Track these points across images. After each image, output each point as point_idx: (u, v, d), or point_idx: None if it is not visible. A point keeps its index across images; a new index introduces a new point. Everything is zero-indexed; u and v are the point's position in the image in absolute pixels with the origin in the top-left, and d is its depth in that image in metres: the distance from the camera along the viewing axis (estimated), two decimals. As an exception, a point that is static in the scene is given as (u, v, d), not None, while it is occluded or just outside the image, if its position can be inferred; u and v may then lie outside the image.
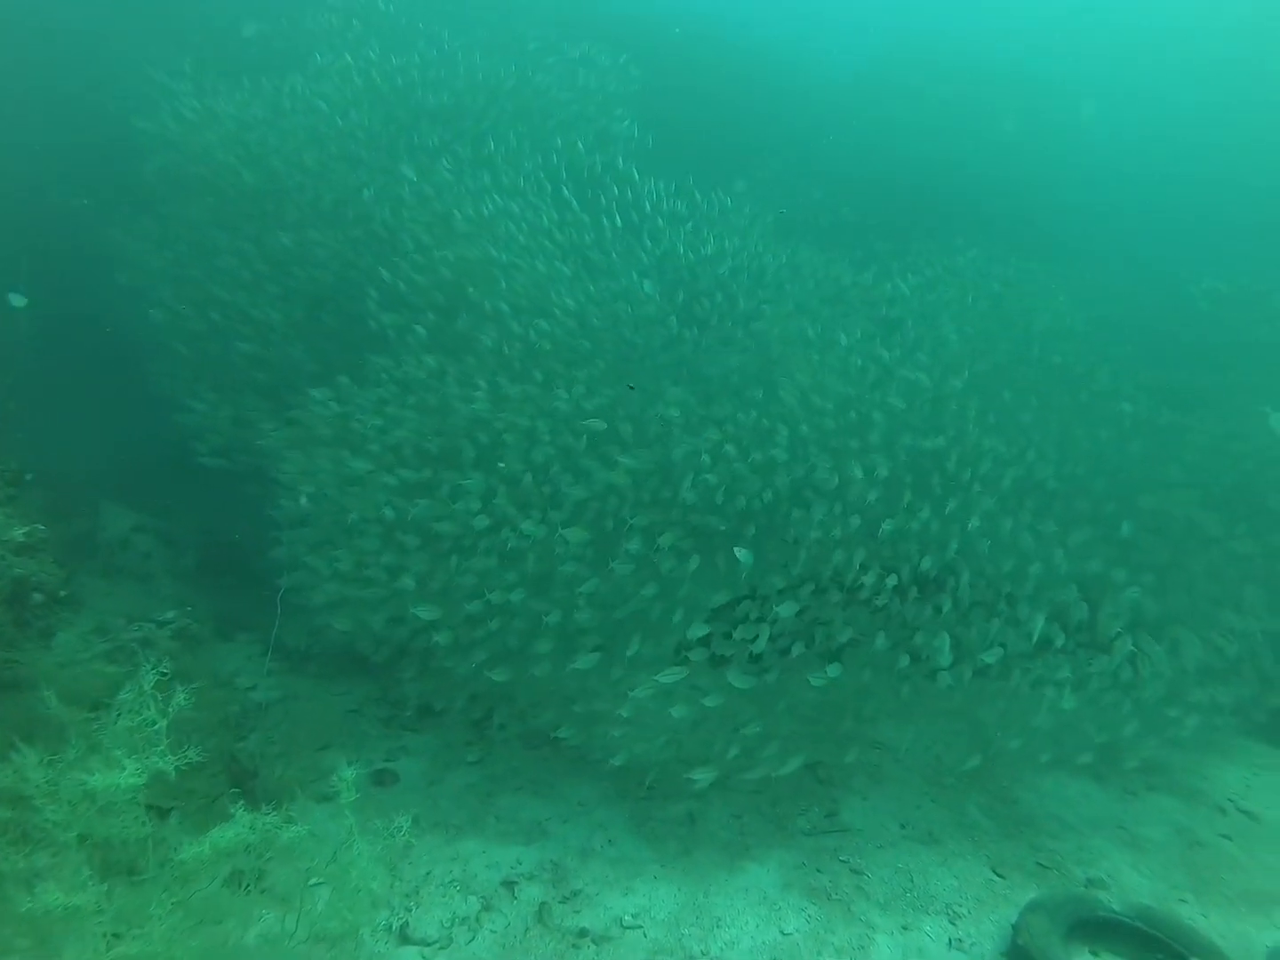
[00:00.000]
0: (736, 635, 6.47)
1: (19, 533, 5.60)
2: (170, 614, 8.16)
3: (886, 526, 6.67)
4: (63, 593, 5.72)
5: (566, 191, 9.33)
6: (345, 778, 5.22)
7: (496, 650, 6.82)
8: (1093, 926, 5.14)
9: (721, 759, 6.68)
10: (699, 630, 6.75)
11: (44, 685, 5.39)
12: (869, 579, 6.69)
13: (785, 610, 6.29)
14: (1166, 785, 7.04)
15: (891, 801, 6.73)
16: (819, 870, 5.69)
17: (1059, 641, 6.71)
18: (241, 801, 4.73)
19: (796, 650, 6.55)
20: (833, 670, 6.48)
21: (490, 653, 6.77)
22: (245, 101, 9.78)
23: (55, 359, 10.91)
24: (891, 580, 6.65)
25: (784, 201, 12.69)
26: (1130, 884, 5.69)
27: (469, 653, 6.88)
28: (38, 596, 5.43)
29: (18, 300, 9.70)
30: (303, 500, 7.49)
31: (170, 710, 4.05)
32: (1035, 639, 6.48)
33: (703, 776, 5.93)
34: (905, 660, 6.52)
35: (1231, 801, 6.84)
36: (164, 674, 4.12)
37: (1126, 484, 7.72)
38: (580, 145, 10.16)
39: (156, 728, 3.96)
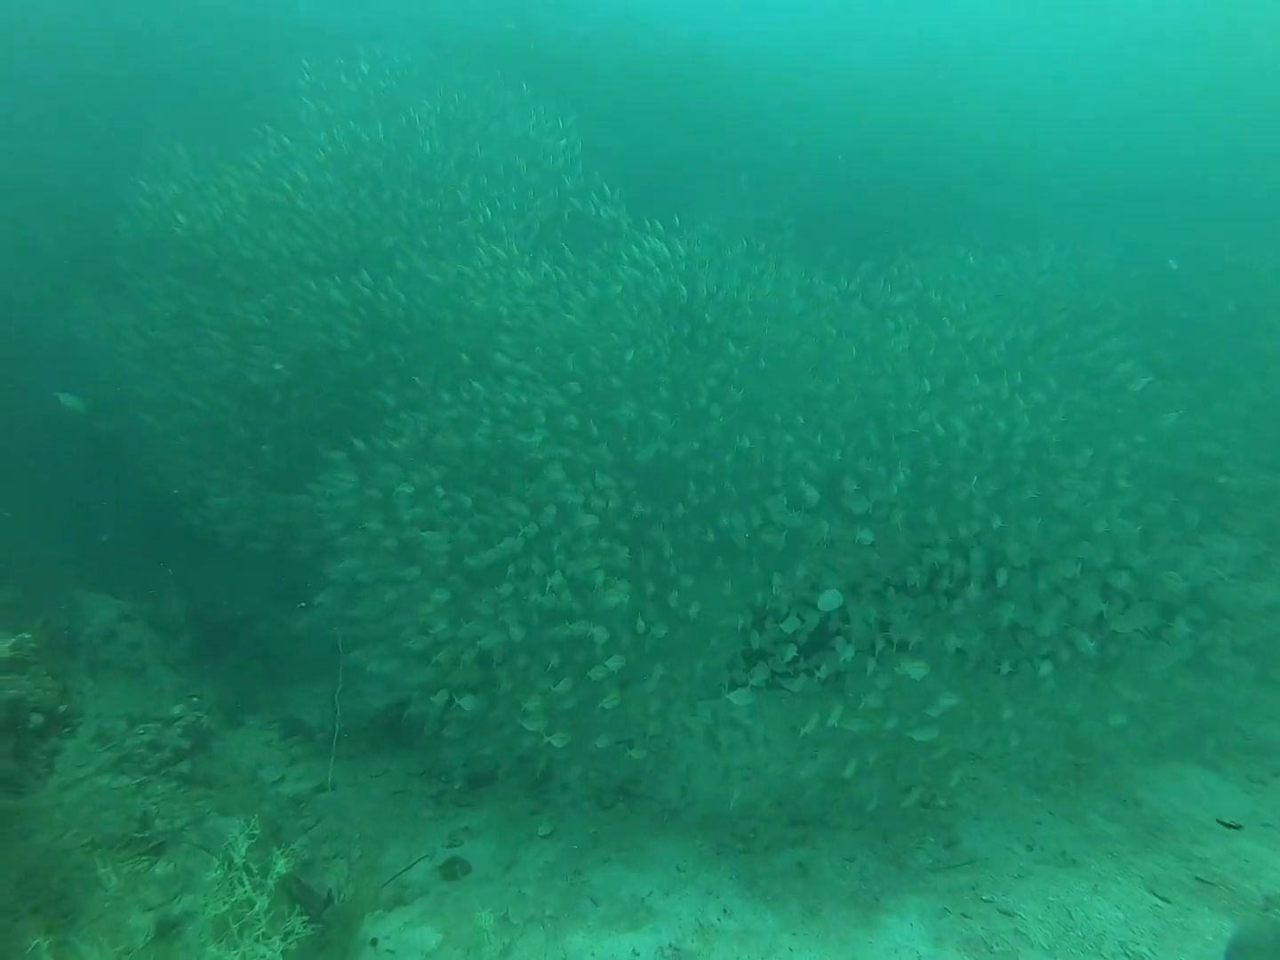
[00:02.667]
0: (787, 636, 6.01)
1: (5, 647, 4.77)
2: (176, 709, 7.27)
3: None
4: (63, 708, 4.88)
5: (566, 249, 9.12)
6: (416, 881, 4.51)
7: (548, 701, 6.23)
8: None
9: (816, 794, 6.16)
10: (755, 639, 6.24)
11: (58, 829, 4.58)
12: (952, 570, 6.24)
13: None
14: (1288, 766, 6.63)
15: (1007, 819, 6.19)
16: (965, 916, 5.10)
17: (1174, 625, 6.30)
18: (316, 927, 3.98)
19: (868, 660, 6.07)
20: (917, 669, 5.97)
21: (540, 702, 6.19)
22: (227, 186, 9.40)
23: (22, 445, 10.09)
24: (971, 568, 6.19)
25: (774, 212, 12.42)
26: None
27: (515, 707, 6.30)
28: (37, 718, 4.61)
29: (71, 401, 9.20)
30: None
31: (270, 883, 3.27)
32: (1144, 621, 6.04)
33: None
34: (1006, 665, 6.05)
35: (1362, 777, 6.45)
36: (253, 836, 3.34)
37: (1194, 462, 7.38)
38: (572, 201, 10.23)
39: (255, 910, 3.19)
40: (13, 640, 4.85)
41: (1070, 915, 5.06)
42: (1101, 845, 5.78)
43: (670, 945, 4.95)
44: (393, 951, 4.93)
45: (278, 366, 8.56)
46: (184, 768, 6.83)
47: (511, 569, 6.41)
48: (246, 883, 3.27)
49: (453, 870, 5.78)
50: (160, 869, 5.10)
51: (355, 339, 8.79)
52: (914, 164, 14.33)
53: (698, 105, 15.32)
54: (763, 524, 6.79)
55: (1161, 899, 5.19)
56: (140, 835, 5.18)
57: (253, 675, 9.47)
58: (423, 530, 6.54)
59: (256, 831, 3.51)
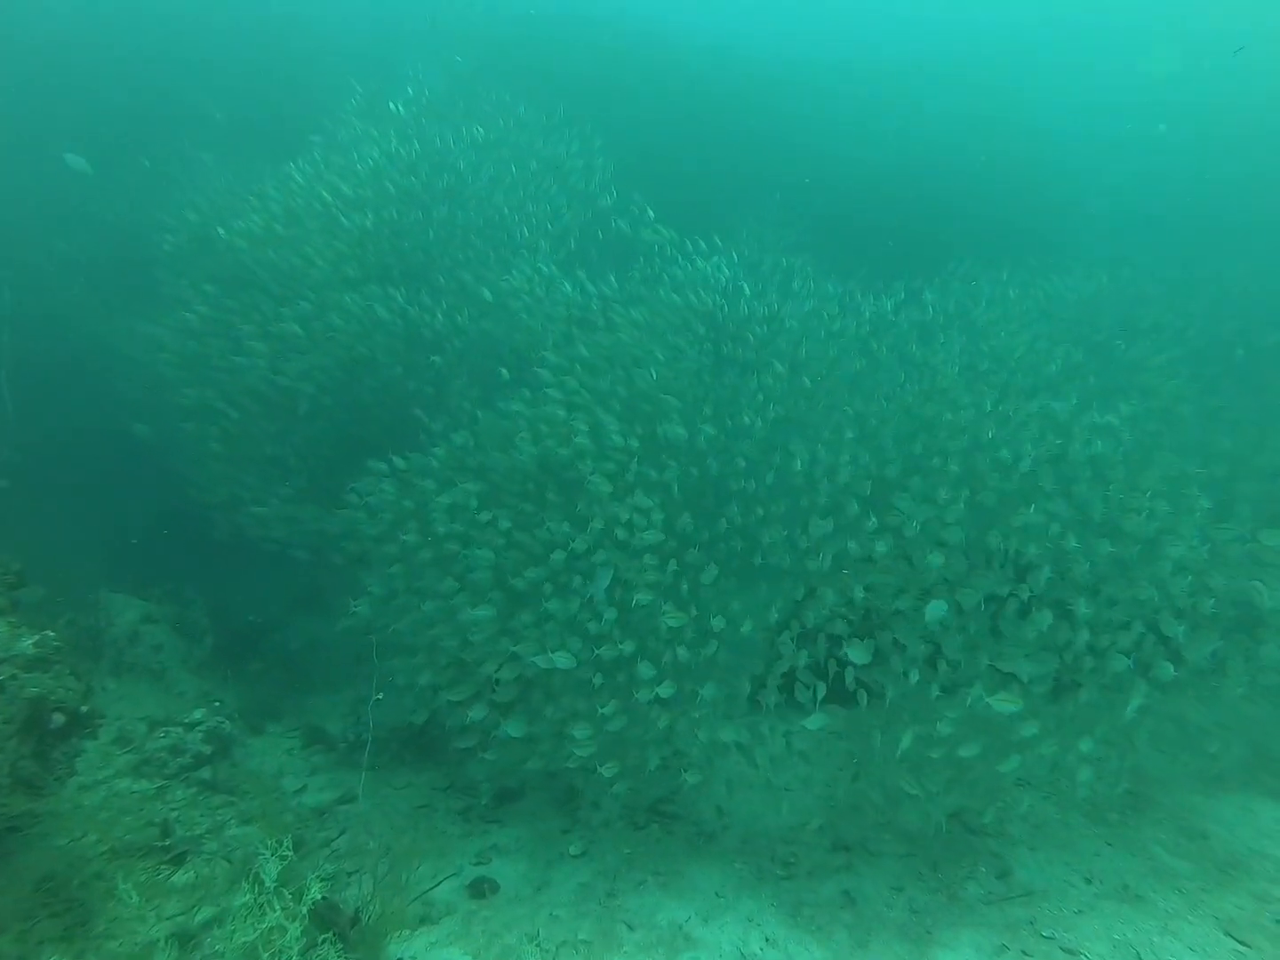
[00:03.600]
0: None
1: (28, 643, 4.62)
2: (198, 713, 7.11)
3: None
4: (85, 708, 4.71)
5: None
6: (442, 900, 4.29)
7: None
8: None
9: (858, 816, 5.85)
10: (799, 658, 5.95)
11: (76, 832, 4.41)
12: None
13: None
14: (1360, 799, 6.25)
15: (1063, 850, 5.86)
16: (1026, 954, 4.77)
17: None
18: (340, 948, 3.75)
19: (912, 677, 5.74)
20: (1006, 703, 5.67)
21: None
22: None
23: (58, 447, 10.18)
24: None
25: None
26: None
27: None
28: (58, 718, 4.43)
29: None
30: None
31: (304, 909, 3.06)
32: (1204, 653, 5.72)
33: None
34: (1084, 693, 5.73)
35: None
36: (285, 858, 3.13)
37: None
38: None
39: (288, 938, 2.97)
40: (36, 637, 4.71)
41: (1139, 957, 4.72)
42: (1168, 881, 5.43)
43: (711, 976, 4.66)
44: (419, 973, 4.69)
45: (307, 388, 8.53)
46: (204, 774, 6.65)
47: (549, 587, 6.21)
48: (278, 908, 3.04)
49: (481, 889, 5.54)
50: (180, 878, 4.91)
51: (394, 350, 8.74)
52: (951, 183, 14.19)
53: (726, 120, 15.28)
54: (807, 544, 6.57)
55: (1241, 943, 4.83)
56: (161, 844, 5.00)
57: (275, 682, 9.33)
58: (461, 543, 6.37)
59: (289, 853, 3.29)
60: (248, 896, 3.08)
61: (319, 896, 3.23)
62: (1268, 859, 5.62)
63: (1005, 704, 5.04)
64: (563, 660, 5.60)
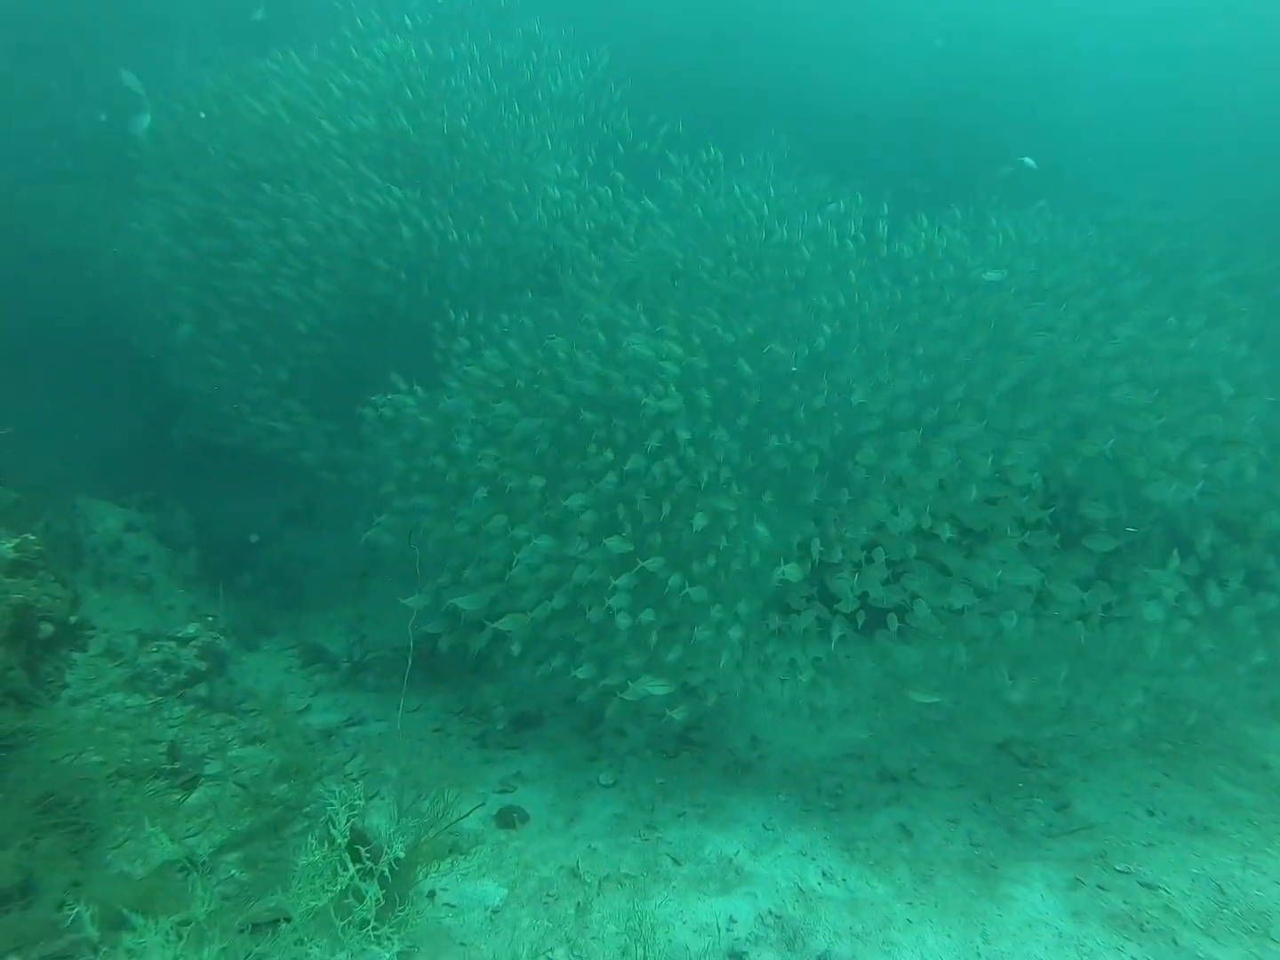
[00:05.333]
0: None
1: (8, 547, 3.97)
2: (192, 628, 6.55)
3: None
4: (73, 618, 4.12)
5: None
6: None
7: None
8: None
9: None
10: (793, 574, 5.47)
11: (73, 748, 3.87)
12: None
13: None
14: None
15: (1119, 781, 5.59)
16: (1102, 889, 4.49)
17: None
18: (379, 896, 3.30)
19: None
20: (1008, 620, 5.32)
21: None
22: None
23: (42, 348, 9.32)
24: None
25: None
26: None
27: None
28: (46, 627, 3.85)
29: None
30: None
31: (385, 866, 2.52)
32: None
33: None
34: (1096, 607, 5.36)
35: None
36: (355, 808, 2.59)
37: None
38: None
39: (366, 904, 2.44)
40: (16, 540, 4.06)
41: (1222, 891, 4.46)
42: (1236, 813, 5.18)
43: (770, 912, 4.33)
44: (454, 906, 4.30)
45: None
46: (201, 690, 6.16)
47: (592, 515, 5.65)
48: (351, 868, 2.53)
49: (510, 819, 5.14)
50: (190, 801, 4.44)
51: (411, 261, 7.93)
52: (972, 117, 13.15)
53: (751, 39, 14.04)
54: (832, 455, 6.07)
55: (1323, 877, 4.60)
56: (169, 766, 4.50)
57: (267, 598, 8.78)
58: (497, 466, 5.78)
59: (360, 801, 2.78)
60: (316, 855, 2.56)
61: (402, 855, 2.73)
62: (1335, 792, 5.40)
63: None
64: (657, 688, 5.12)
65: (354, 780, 5.40)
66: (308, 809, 4.96)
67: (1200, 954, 3.99)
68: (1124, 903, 4.37)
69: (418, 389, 6.88)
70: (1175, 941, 4.08)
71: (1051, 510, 5.59)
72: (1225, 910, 4.32)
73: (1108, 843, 4.91)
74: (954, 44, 13.96)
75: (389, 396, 6.81)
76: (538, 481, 5.68)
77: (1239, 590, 5.60)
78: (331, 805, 2.76)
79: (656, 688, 4.99)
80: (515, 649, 5.70)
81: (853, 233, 7.87)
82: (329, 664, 7.43)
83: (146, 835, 3.51)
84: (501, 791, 5.54)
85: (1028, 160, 9.80)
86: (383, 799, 5.26)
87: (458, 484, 6.12)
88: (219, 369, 8.19)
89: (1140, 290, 6.76)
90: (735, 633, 5.45)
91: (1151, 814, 5.22)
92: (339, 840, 2.54)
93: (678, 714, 5.27)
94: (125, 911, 2.54)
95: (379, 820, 4.76)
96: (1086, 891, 4.47)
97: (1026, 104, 13.32)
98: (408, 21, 9.86)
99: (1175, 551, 5.52)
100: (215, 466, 9.38)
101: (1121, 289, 6.73)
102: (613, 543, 5.23)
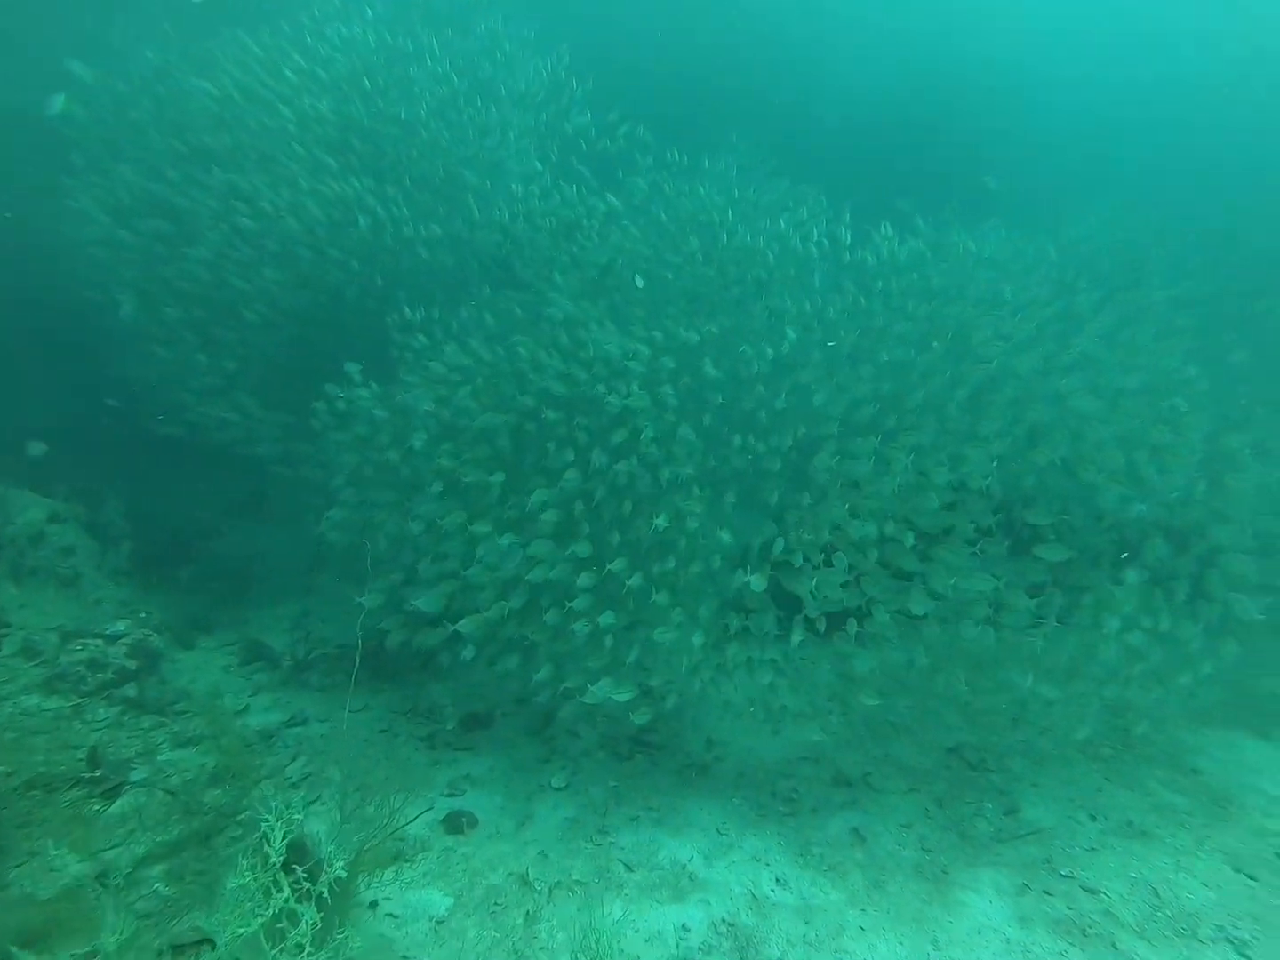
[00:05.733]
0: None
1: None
2: (121, 624, 6.20)
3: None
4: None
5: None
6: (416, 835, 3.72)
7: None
8: None
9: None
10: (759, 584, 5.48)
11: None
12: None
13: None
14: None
15: (1065, 786, 5.71)
16: (1048, 894, 4.56)
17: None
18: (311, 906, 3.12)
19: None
20: (970, 629, 5.41)
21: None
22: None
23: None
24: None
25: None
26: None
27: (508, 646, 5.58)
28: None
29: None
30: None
31: (324, 886, 2.36)
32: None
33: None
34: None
35: None
36: (292, 826, 2.41)
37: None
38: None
39: (302, 929, 2.27)
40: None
41: (1157, 894, 4.57)
42: (1170, 817, 5.32)
43: (724, 920, 4.27)
44: (397, 917, 4.14)
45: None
46: (130, 691, 5.82)
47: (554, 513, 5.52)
48: (287, 888, 2.36)
49: (458, 823, 4.99)
50: (114, 809, 4.16)
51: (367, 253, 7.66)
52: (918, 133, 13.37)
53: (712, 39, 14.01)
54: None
55: (1250, 877, 4.75)
56: (89, 775, 4.21)
57: (208, 593, 8.39)
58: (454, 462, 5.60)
59: (299, 816, 2.59)
60: (246, 876, 2.37)
61: (343, 874, 2.56)
62: (1259, 793, 5.59)
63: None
64: (618, 694, 5.02)
65: (294, 785, 5.18)
66: (243, 816, 4.73)
67: (1136, 958, 4.07)
68: (1068, 908, 4.45)
69: (372, 383, 6.65)
70: (1114, 946, 4.17)
71: (999, 516, 5.69)
72: (1159, 913, 4.43)
73: (1053, 848, 5.00)
74: (923, 64, 14.16)
75: (342, 392, 6.56)
76: (498, 477, 5.53)
77: (1184, 602, 5.79)
78: (266, 821, 2.57)
79: (618, 694, 4.89)
80: (468, 654, 5.55)
81: (815, 238, 7.89)
82: (271, 662, 7.13)
83: (59, 852, 3.25)
84: (450, 795, 5.37)
85: (989, 180, 9.96)
86: (324, 804, 5.06)
87: (412, 479, 5.92)
88: (162, 357, 7.79)
89: (1094, 303, 6.91)
90: (698, 638, 5.39)
91: (1094, 818, 5.33)
92: (273, 859, 2.36)
93: (639, 718, 5.18)
94: (12, 948, 2.29)
95: (320, 827, 4.57)
96: (1033, 897, 4.53)
97: (990, 128, 13.60)
98: (368, 11, 9.64)
99: (1133, 565, 5.64)
100: (158, 456, 8.94)
101: (1077, 302, 6.87)
102: (577, 547, 5.12)
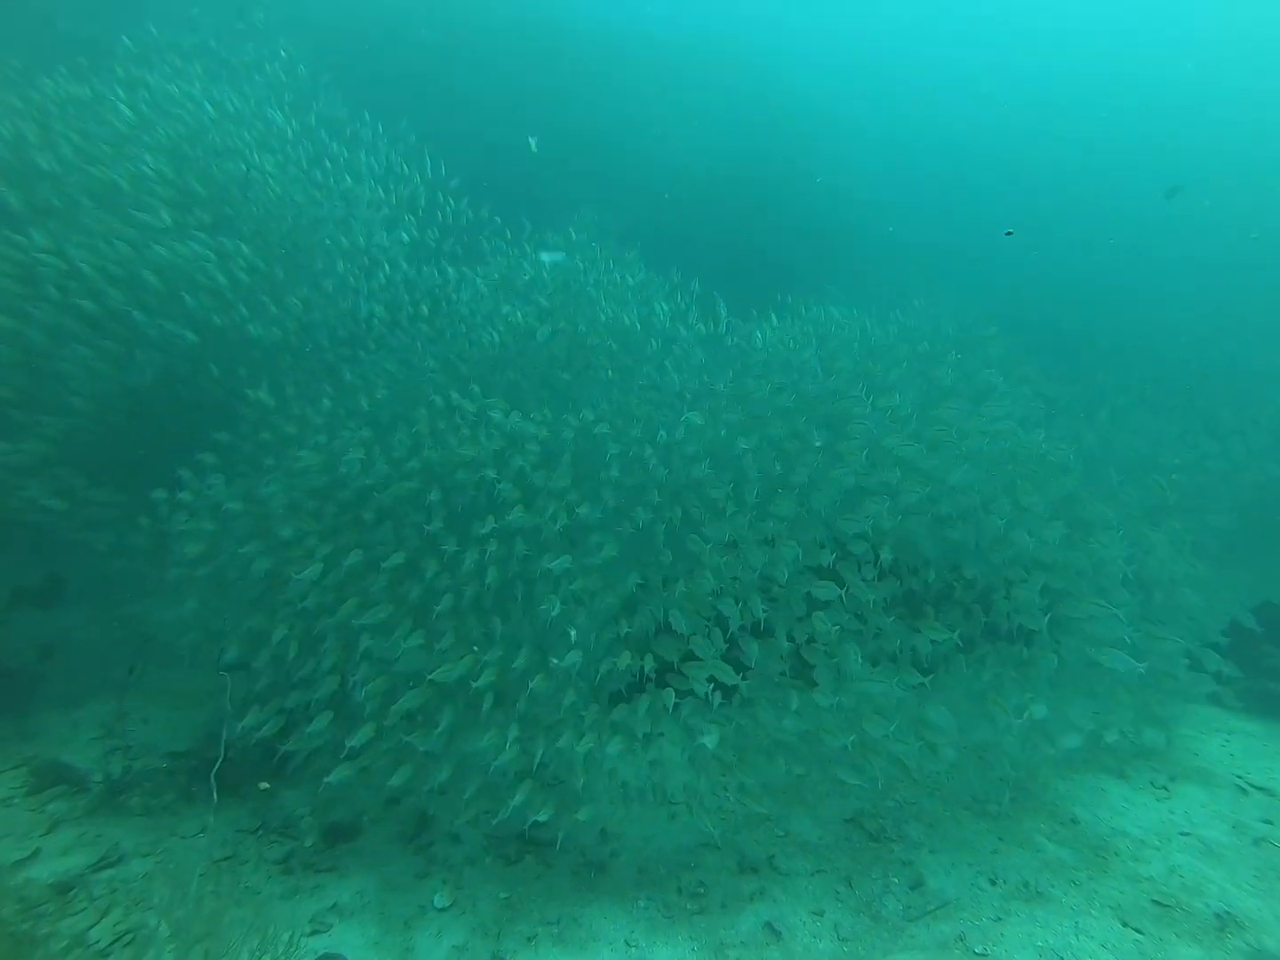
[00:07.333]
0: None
1: None
2: None
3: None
4: None
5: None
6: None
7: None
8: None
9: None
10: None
11: None
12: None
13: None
14: (1181, 773, 6.80)
15: (962, 850, 5.73)
16: (965, 975, 4.46)
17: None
18: None
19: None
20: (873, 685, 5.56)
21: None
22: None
23: None
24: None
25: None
26: (1249, 910, 5.12)
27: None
28: None
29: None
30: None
31: None
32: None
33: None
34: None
35: (1241, 779, 6.73)
36: None
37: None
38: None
39: None
40: None
41: (1064, 961, 4.60)
42: (1060, 873, 5.45)
43: (646, 1056, 3.80)
44: None
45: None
46: None
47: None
48: None
49: (325, 973, 4.20)
50: None
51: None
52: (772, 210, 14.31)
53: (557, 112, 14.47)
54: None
55: (1136, 930, 4.90)
56: None
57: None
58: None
59: None
60: None
61: None
62: (1126, 837, 5.86)
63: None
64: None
65: (103, 956, 4.15)
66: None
67: (1062, 1036, 4.02)
68: (987, 988, 4.36)
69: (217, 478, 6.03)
70: (1038, 1025, 4.10)
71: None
72: (1072, 982, 4.44)
73: (963, 921, 4.94)
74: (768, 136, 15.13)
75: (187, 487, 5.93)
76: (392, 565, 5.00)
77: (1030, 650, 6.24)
78: None
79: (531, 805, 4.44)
80: (334, 778, 4.90)
81: (691, 322, 8.13)
82: (74, 784, 5.88)
83: None
84: (314, 933, 4.56)
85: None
86: (148, 968, 4.09)
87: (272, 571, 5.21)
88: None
89: (953, 382, 7.43)
90: (586, 739, 5.06)
91: (993, 883, 5.35)
92: None
93: (541, 815, 4.68)
94: None
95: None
96: (954, 981, 4.42)
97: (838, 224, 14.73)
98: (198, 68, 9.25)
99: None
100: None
101: (938, 378, 7.34)
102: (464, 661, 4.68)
